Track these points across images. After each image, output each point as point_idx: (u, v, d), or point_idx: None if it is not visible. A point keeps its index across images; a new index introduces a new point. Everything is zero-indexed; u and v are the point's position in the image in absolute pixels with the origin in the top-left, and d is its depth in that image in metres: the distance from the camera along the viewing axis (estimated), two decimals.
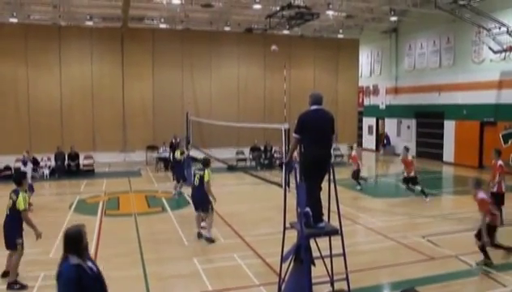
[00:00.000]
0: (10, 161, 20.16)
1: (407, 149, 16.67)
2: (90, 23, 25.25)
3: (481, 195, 9.08)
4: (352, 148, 17.39)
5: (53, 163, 22.50)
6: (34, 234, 8.32)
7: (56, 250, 10.42)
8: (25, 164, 16.56)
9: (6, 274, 8.57)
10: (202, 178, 10.94)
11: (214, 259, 9.75)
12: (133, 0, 20.46)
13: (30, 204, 12.07)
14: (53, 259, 9.77)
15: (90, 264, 4.38)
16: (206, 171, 10.98)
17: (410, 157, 16.44)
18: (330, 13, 24.26)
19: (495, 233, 9.12)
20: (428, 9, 22.69)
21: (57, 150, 22.51)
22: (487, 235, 8.79)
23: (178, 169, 17.24)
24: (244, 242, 10.87)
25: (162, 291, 8.23)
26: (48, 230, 9.64)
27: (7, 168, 20.28)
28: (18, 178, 8.87)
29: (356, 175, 17.36)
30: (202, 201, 10.98)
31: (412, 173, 15.98)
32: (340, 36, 30.36)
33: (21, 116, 24.49)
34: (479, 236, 9.02)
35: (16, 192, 8.37)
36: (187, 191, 15.53)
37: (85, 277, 4.23)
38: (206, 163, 11.29)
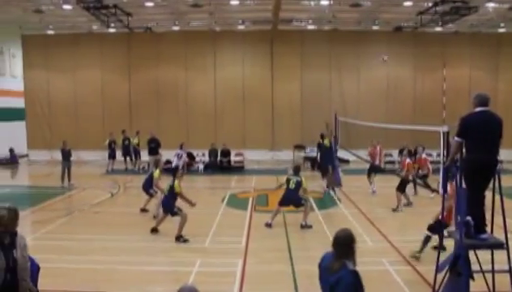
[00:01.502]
0: (171, 155, 22.17)
1: (400, 151, 16.13)
2: (242, 27, 26.63)
3: None
4: None
5: (207, 159, 24.29)
6: (189, 205, 11.36)
7: (210, 240, 11.22)
8: (179, 157, 18.08)
9: (154, 230, 11.67)
10: (299, 183, 12.41)
11: (361, 262, 9.31)
12: (282, 3, 21.07)
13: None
14: (207, 248, 10.58)
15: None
16: (303, 179, 12.65)
17: (403, 158, 15.52)
18: (490, 5, 22.24)
19: None
20: None
21: (210, 147, 24.28)
22: None
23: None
24: (393, 247, 10.54)
25: (310, 289, 8.35)
26: (202, 222, 10.43)
27: (168, 162, 22.28)
28: (173, 172, 12.72)
29: None
30: (297, 201, 12.53)
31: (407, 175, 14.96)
32: (501, 30, 27.67)
33: (180, 115, 26.96)
34: None
35: (172, 181, 11.56)
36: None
37: (360, 285, 4.31)
38: (297, 170, 12.95)
